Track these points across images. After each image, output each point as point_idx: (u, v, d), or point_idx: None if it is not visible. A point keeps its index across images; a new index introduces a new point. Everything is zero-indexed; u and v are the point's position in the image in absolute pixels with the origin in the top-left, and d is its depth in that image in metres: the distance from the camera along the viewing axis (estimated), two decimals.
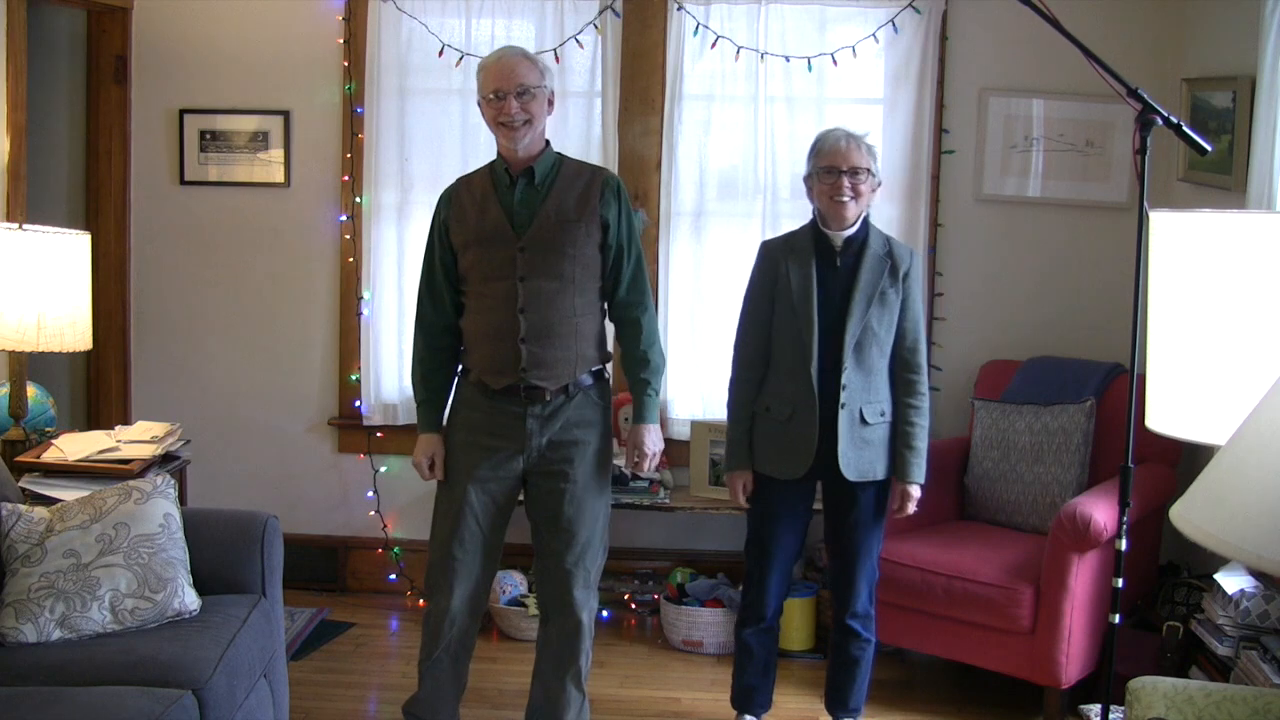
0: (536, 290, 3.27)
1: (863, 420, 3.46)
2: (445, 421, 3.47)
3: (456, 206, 3.36)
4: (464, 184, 3.41)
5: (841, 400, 3.43)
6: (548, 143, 3.37)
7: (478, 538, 3.39)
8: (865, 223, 3.50)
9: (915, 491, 3.51)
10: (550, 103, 3.33)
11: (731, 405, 3.61)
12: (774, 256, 3.54)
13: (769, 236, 3.67)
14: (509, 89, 3.23)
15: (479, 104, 3.33)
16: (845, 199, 3.40)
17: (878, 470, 3.51)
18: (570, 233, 3.28)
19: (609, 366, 3.49)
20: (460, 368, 3.46)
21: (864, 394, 3.46)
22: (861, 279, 3.44)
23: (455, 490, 3.39)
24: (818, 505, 3.66)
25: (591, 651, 3.50)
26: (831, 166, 3.41)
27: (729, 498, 3.66)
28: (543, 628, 3.51)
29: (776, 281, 3.50)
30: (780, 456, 3.52)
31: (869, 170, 3.42)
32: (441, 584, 3.40)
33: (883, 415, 3.50)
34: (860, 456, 3.47)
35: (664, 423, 4.85)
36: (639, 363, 3.42)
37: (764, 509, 3.60)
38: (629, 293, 3.39)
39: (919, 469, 3.50)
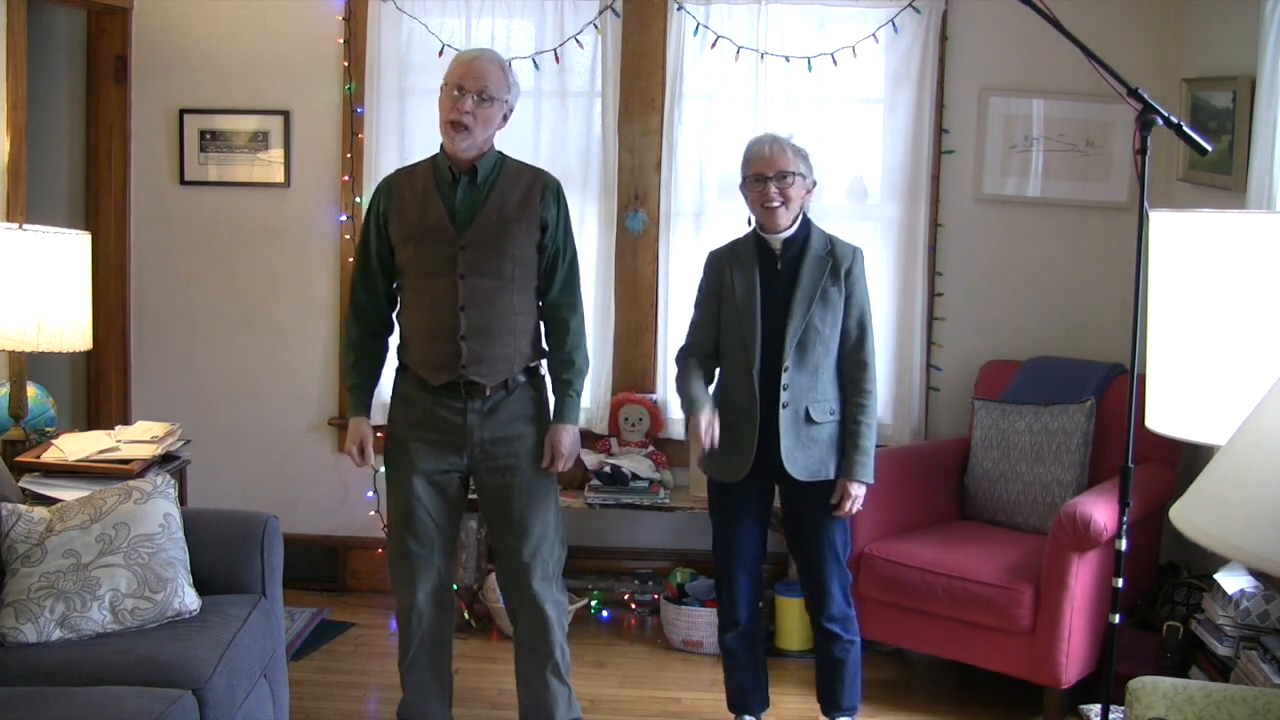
0: (477, 288, 3.28)
1: (809, 419, 3.46)
2: (387, 418, 3.49)
3: (397, 199, 3.36)
4: (405, 176, 3.41)
5: (783, 400, 3.44)
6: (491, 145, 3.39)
7: (430, 530, 3.41)
8: (805, 223, 3.53)
9: (855, 490, 3.47)
10: (505, 118, 3.34)
11: (678, 376, 3.59)
12: (720, 265, 3.57)
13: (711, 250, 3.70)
14: (472, 88, 3.24)
15: (441, 90, 3.32)
16: (774, 205, 3.43)
17: (828, 469, 3.49)
18: (511, 232, 3.30)
19: (544, 363, 3.50)
20: (398, 364, 3.48)
21: (810, 393, 3.46)
22: (802, 279, 3.45)
23: (402, 485, 3.40)
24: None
25: (567, 644, 3.50)
26: (758, 174, 3.44)
27: (695, 445, 3.52)
28: (515, 627, 3.52)
29: (722, 288, 3.53)
30: (723, 459, 3.52)
31: (796, 173, 3.43)
32: (404, 579, 3.43)
33: (832, 414, 3.50)
34: (808, 456, 3.46)
35: (664, 423, 4.85)
36: (564, 364, 3.43)
37: (721, 514, 3.61)
38: (561, 293, 3.40)
39: (864, 468, 3.48)
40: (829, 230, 3.59)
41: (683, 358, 3.62)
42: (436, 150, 3.39)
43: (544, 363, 3.49)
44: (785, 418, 3.43)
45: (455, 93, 3.24)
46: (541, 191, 3.35)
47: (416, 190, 3.34)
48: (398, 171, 3.46)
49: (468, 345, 3.29)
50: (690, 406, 3.53)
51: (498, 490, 3.40)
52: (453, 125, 3.25)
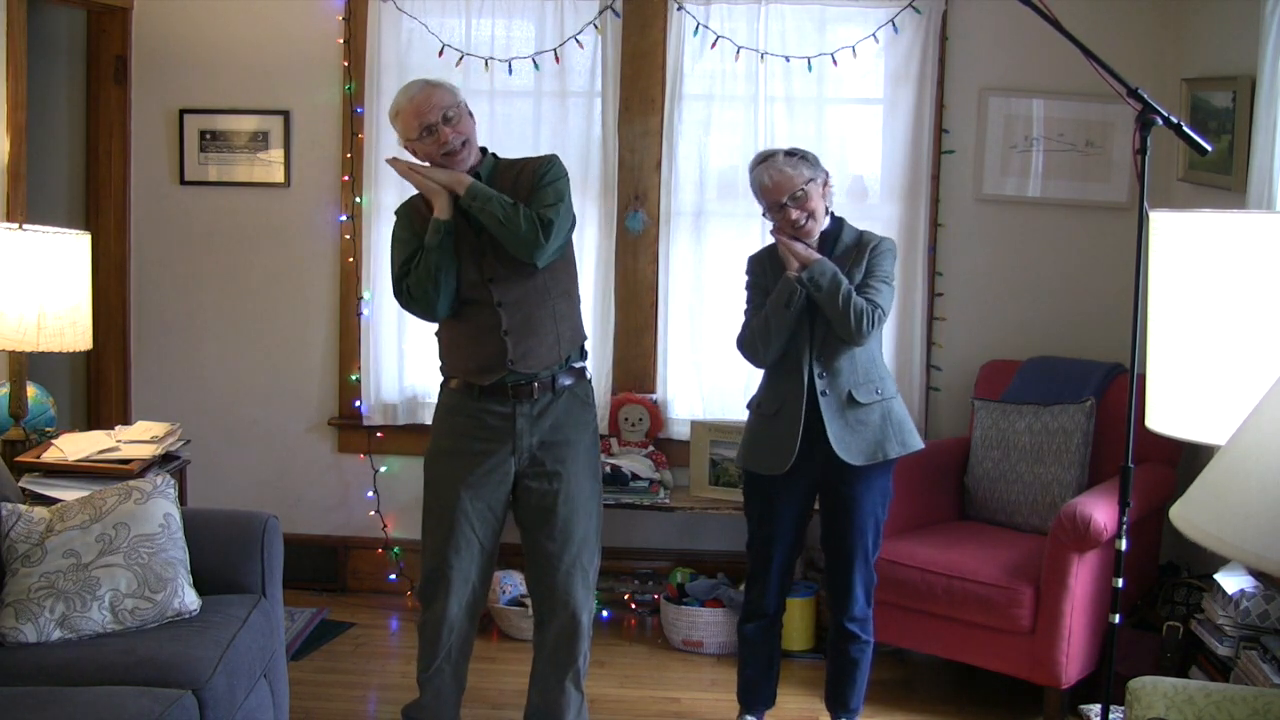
0: (508, 284, 3.29)
1: (854, 402, 3.45)
2: (431, 432, 3.48)
3: (418, 221, 3.34)
4: (417, 199, 3.39)
5: (820, 389, 3.45)
6: (483, 150, 3.39)
7: (474, 544, 3.38)
8: (835, 219, 3.53)
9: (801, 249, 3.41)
10: (470, 115, 3.33)
11: (756, 325, 3.51)
12: (763, 263, 3.58)
13: (766, 239, 3.70)
14: (435, 119, 3.24)
15: (405, 148, 3.31)
16: (803, 223, 3.42)
17: (885, 450, 3.47)
18: None
19: (588, 365, 3.50)
20: (442, 378, 3.47)
21: (851, 377, 3.46)
22: None
23: (448, 498, 3.38)
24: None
25: (589, 652, 3.49)
26: (774, 203, 3.43)
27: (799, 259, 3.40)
28: (539, 631, 3.50)
29: (768, 283, 3.53)
30: (765, 451, 3.53)
31: (808, 183, 3.41)
32: (439, 592, 3.40)
33: (878, 394, 3.49)
34: (860, 438, 3.45)
35: (663, 423, 4.85)
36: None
37: (762, 507, 3.60)
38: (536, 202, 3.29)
39: (821, 264, 3.38)
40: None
41: (745, 329, 3.57)
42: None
43: (588, 365, 3.50)
44: (826, 406, 3.44)
45: (426, 135, 3.25)
46: (535, 167, 3.35)
47: (430, 209, 3.33)
48: (411, 199, 3.43)
49: (512, 340, 3.29)
50: (781, 286, 3.44)
51: (542, 496, 3.38)
52: (447, 156, 3.27)
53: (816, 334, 3.46)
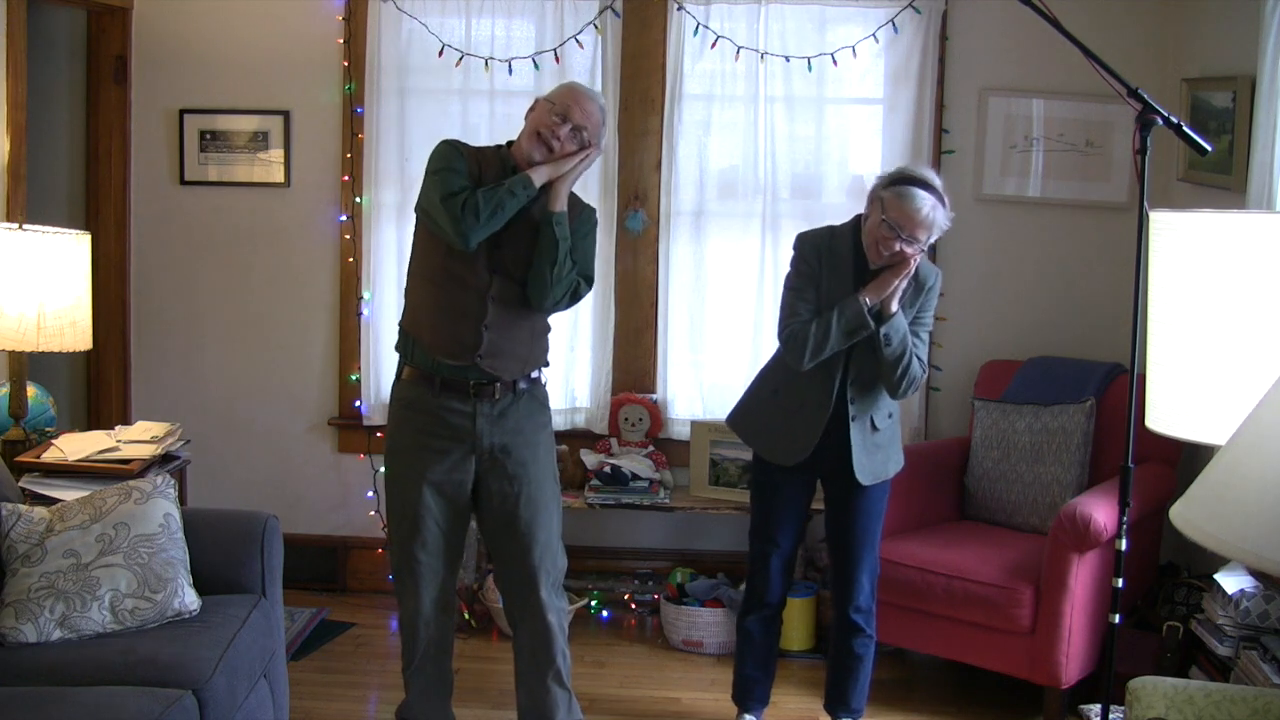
0: (508, 285, 3.30)
1: (874, 426, 3.51)
2: (388, 425, 3.49)
3: (470, 163, 3.31)
4: (474, 151, 3.37)
5: (851, 414, 3.47)
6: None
7: (439, 539, 3.40)
8: None
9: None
10: (588, 160, 3.34)
11: (812, 332, 3.38)
12: (818, 252, 3.48)
13: (801, 231, 3.56)
14: (574, 119, 3.29)
15: (537, 105, 3.35)
16: (886, 256, 3.33)
17: (889, 469, 3.57)
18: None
19: (545, 372, 3.50)
20: (399, 363, 3.44)
21: (876, 402, 3.51)
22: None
23: (410, 494, 3.38)
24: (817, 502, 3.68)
25: (568, 650, 3.50)
26: (897, 224, 3.29)
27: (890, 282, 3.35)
28: (515, 633, 3.51)
29: (817, 280, 3.46)
30: (778, 442, 3.55)
31: (924, 244, 3.34)
32: (409, 588, 3.43)
33: (890, 416, 3.56)
34: (874, 460, 3.53)
35: (663, 423, 4.85)
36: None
37: (766, 496, 3.63)
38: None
39: (896, 320, 3.37)
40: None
41: (799, 325, 3.42)
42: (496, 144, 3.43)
43: (545, 371, 3.50)
44: (855, 430, 3.47)
45: (557, 117, 3.28)
46: (577, 214, 3.37)
47: (486, 174, 3.31)
48: (470, 146, 3.40)
49: (490, 334, 3.29)
50: (848, 303, 3.36)
51: (504, 498, 3.38)
52: (542, 141, 3.28)
53: (854, 358, 3.45)
